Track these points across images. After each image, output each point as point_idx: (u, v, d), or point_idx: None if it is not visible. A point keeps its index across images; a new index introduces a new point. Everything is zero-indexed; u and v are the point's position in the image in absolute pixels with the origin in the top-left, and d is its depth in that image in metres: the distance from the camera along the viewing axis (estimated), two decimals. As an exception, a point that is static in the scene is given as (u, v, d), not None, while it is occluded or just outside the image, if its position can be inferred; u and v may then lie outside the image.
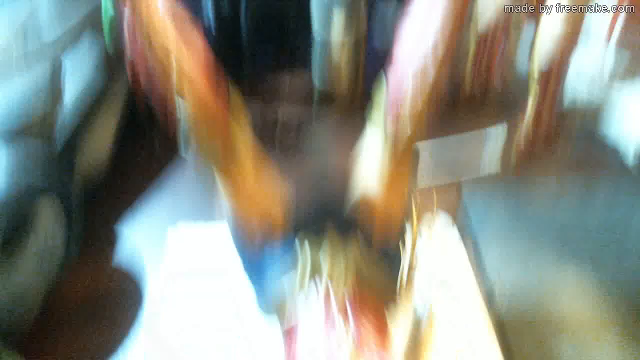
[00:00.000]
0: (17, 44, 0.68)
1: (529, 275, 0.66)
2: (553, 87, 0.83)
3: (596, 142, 0.92)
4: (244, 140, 0.48)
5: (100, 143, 0.75)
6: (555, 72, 0.82)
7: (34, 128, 0.65)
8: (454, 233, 0.67)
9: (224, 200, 0.50)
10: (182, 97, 0.46)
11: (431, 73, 0.47)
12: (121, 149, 0.81)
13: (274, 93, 0.99)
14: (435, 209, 0.62)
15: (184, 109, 0.46)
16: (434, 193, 0.73)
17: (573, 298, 0.64)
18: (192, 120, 0.47)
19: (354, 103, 0.95)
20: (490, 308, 0.63)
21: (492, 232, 0.69)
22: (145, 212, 0.75)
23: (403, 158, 0.49)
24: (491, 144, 0.85)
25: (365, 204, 0.48)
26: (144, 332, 0.65)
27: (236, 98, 0.49)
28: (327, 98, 0.96)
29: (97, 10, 0.77)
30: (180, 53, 0.46)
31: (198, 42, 0.48)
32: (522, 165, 0.85)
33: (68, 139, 0.69)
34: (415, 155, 0.51)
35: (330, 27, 0.89)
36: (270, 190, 0.49)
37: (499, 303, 0.63)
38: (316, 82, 0.98)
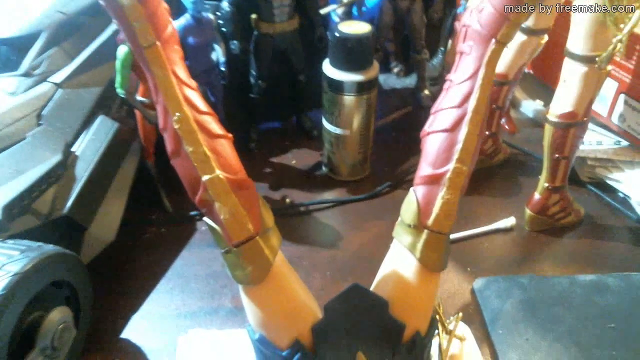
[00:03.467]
0: (31, 127, 0.67)
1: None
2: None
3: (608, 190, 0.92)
4: (276, 254, 0.47)
5: (109, 223, 0.73)
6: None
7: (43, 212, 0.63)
8: (469, 335, 0.65)
9: (248, 310, 0.48)
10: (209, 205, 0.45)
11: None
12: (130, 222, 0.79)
13: (281, 171, 0.99)
14: (459, 314, 0.61)
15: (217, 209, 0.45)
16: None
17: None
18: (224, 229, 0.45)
19: (362, 186, 0.95)
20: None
21: (507, 331, 0.66)
22: (152, 313, 0.72)
23: (434, 278, 0.48)
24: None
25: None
26: None
27: (268, 212, 0.48)
28: (334, 180, 0.97)
29: (108, 91, 0.77)
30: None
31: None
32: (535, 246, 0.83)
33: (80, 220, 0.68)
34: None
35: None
36: (301, 303, 0.48)
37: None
38: (324, 167, 1.00)
